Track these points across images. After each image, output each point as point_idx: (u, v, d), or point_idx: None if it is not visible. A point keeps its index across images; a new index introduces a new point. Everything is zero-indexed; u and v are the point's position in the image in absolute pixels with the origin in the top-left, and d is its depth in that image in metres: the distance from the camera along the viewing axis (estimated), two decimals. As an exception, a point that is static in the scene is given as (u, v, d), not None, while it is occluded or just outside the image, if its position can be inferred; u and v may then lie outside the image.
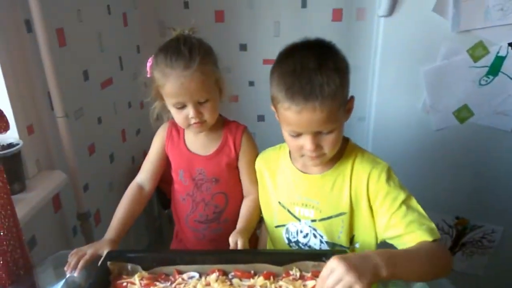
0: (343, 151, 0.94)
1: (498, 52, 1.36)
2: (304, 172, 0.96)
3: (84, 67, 1.47)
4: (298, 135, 0.86)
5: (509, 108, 1.43)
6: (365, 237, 0.95)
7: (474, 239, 1.65)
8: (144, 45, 2.00)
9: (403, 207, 0.86)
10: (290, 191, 0.97)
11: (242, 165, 1.05)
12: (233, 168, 1.06)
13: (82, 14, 1.45)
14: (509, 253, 1.64)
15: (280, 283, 0.77)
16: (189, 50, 0.92)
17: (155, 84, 0.96)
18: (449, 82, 1.42)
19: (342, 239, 0.95)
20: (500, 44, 1.35)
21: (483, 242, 1.65)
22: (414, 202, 0.88)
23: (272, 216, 1.02)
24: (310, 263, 0.81)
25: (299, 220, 0.97)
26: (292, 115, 0.83)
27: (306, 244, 0.98)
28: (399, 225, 0.85)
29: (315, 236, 0.96)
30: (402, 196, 0.87)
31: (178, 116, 0.97)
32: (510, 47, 1.35)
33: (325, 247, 0.96)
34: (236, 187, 1.07)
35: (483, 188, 1.56)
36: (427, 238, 0.81)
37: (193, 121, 0.96)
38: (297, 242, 0.99)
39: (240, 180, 1.07)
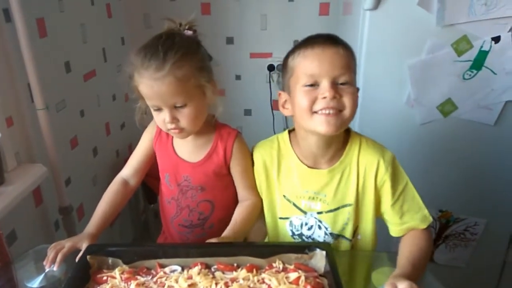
0: (347, 141, 0.94)
1: (481, 47, 1.37)
2: (311, 167, 0.94)
3: (66, 58, 1.44)
4: (315, 85, 0.85)
5: (492, 102, 1.44)
6: (366, 228, 0.97)
7: (457, 232, 1.67)
8: (129, 37, 1.98)
9: (402, 196, 0.93)
10: (296, 185, 0.96)
11: (236, 173, 1.00)
12: (222, 175, 1.00)
13: (64, 4, 1.42)
14: (491, 246, 1.67)
15: (263, 275, 0.77)
16: (165, 51, 0.84)
17: (133, 82, 0.91)
18: (434, 76, 1.43)
19: (346, 230, 0.96)
20: (484, 39, 1.36)
21: (466, 235, 1.67)
22: (411, 189, 0.94)
23: (275, 208, 1.00)
24: (293, 256, 0.81)
25: (305, 213, 0.97)
26: (313, 56, 0.85)
27: (310, 237, 0.98)
28: (397, 213, 0.93)
29: (319, 228, 0.97)
30: (403, 184, 0.94)
31: (156, 119, 0.92)
32: (493, 42, 1.36)
33: (329, 238, 0.97)
34: (223, 195, 1.02)
35: (467, 181, 1.57)
36: (421, 226, 0.92)
37: (169, 126, 0.90)
38: (300, 234, 0.99)
39: (227, 187, 1.02)
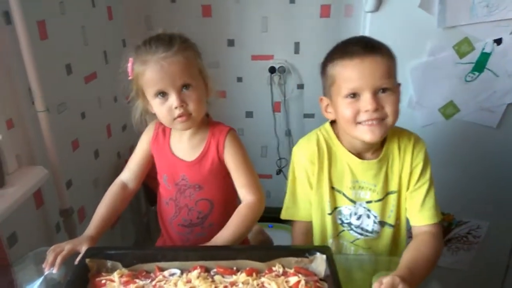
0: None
1: (483, 49, 1.37)
2: (361, 158, 0.97)
3: (67, 60, 1.44)
4: (357, 96, 0.87)
5: (494, 104, 1.43)
6: (403, 213, 1.00)
7: (459, 235, 1.66)
8: (130, 39, 1.97)
9: (428, 183, 0.97)
10: (346, 176, 0.98)
11: (230, 169, 0.99)
12: (218, 173, 1.00)
13: (65, 6, 1.42)
14: (494, 248, 1.66)
15: (263, 279, 0.77)
16: (169, 37, 0.91)
17: (135, 76, 0.92)
18: (435, 78, 1.42)
19: (391, 217, 0.99)
20: (486, 41, 1.36)
21: (469, 238, 1.66)
22: (433, 181, 0.98)
23: (324, 204, 1.01)
24: (293, 259, 0.81)
25: (354, 202, 0.99)
26: (353, 68, 0.86)
27: (358, 226, 1.01)
28: (418, 200, 0.96)
29: (368, 217, 1.00)
30: (430, 172, 0.97)
31: (161, 110, 0.92)
32: (495, 44, 1.36)
33: (377, 226, 1.00)
34: (222, 193, 1.02)
35: (469, 184, 1.57)
36: (432, 221, 0.94)
37: (177, 112, 0.90)
38: (349, 224, 1.01)
39: (226, 186, 1.02)
